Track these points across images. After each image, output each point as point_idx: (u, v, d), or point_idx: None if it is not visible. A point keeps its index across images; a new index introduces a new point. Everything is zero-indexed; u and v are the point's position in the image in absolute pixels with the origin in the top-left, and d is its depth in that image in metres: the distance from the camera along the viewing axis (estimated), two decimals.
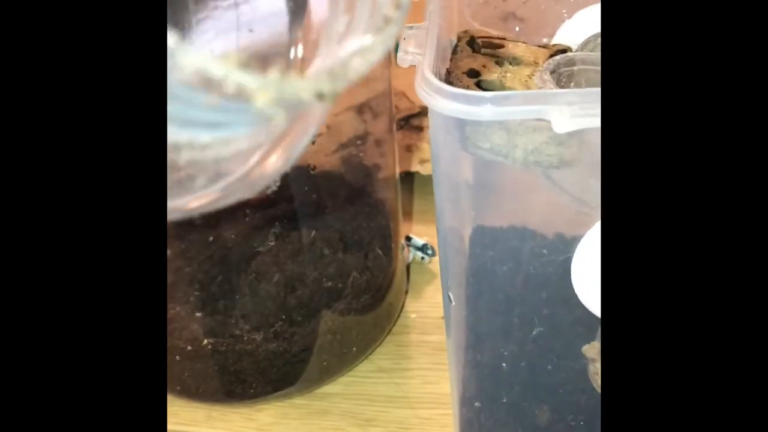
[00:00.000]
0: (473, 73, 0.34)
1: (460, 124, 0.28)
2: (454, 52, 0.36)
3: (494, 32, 0.39)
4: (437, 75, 0.27)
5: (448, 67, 0.35)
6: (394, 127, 0.55)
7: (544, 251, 0.33)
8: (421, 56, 0.26)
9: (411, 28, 0.28)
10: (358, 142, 0.54)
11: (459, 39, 0.37)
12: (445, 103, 0.24)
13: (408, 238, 0.54)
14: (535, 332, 0.34)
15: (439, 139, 0.28)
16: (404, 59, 0.27)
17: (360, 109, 0.54)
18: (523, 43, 0.38)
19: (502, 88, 0.34)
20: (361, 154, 0.54)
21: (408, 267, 0.53)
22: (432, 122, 0.28)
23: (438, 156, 0.29)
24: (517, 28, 0.40)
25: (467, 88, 0.32)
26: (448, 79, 0.33)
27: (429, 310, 0.51)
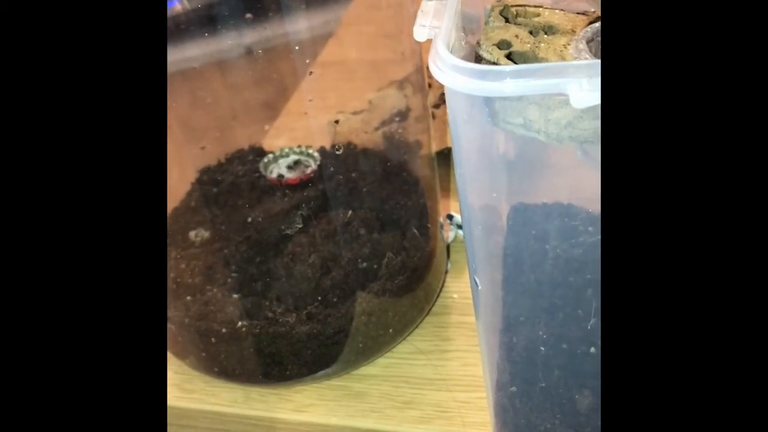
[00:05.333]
0: (505, 45, 0.33)
1: (490, 99, 0.27)
2: (487, 23, 0.35)
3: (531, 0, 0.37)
4: (460, 48, 0.26)
5: (478, 39, 0.33)
6: (429, 103, 0.54)
7: (590, 229, 0.31)
8: (438, 29, 0.25)
9: None
10: (398, 118, 0.53)
11: (492, 9, 0.36)
12: (459, 79, 0.22)
13: (449, 216, 0.53)
14: (577, 314, 0.33)
15: (460, 115, 0.26)
16: (421, 32, 0.25)
17: (401, 85, 0.53)
18: (561, 10, 0.36)
19: (535, 59, 0.32)
20: (401, 131, 0.53)
21: (448, 246, 0.52)
22: (449, 98, 0.26)
23: (459, 132, 0.27)
24: None
25: (497, 60, 0.31)
26: (478, 51, 0.32)
27: (470, 291, 0.50)
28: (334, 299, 0.42)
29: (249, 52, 0.45)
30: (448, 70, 0.22)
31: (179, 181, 0.51)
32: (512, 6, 0.36)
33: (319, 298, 0.42)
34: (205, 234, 0.47)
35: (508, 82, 0.22)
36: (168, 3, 0.40)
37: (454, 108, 0.27)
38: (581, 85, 0.21)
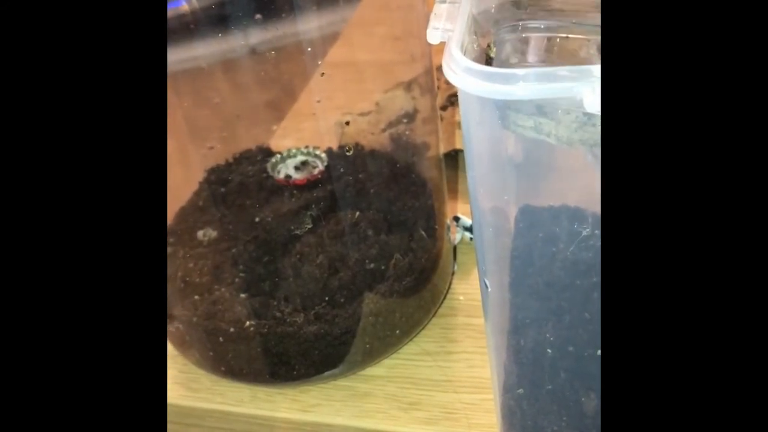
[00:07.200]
0: None
1: (502, 102, 0.27)
2: None
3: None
4: (471, 51, 0.26)
5: (488, 42, 0.33)
6: (437, 104, 0.54)
7: (596, 232, 0.31)
8: (451, 32, 0.25)
9: (444, 2, 0.27)
10: (405, 120, 0.53)
11: None
12: (472, 81, 0.22)
13: (456, 218, 0.53)
14: (584, 316, 0.33)
15: (472, 118, 0.27)
16: (434, 35, 0.26)
17: (409, 86, 0.53)
18: None
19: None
20: (408, 132, 0.53)
21: (455, 248, 0.52)
22: (462, 101, 0.26)
23: (471, 135, 0.27)
24: None
25: None
26: (488, 54, 0.32)
27: (477, 292, 0.49)
28: (342, 300, 0.42)
29: (257, 52, 0.45)
30: (462, 72, 0.22)
31: (187, 180, 0.51)
32: None
33: (327, 298, 0.42)
34: (212, 233, 0.48)
35: (521, 86, 0.22)
36: (174, 2, 0.41)
37: (466, 110, 0.27)
38: (594, 89, 0.21)
